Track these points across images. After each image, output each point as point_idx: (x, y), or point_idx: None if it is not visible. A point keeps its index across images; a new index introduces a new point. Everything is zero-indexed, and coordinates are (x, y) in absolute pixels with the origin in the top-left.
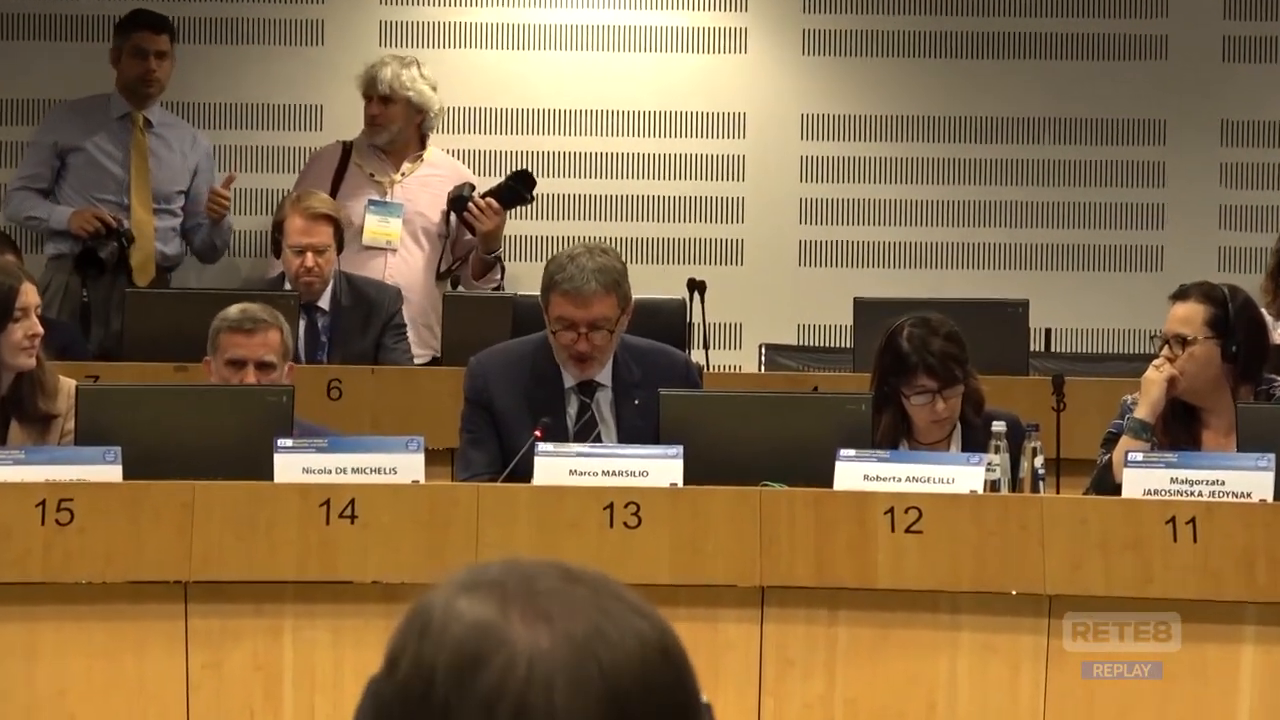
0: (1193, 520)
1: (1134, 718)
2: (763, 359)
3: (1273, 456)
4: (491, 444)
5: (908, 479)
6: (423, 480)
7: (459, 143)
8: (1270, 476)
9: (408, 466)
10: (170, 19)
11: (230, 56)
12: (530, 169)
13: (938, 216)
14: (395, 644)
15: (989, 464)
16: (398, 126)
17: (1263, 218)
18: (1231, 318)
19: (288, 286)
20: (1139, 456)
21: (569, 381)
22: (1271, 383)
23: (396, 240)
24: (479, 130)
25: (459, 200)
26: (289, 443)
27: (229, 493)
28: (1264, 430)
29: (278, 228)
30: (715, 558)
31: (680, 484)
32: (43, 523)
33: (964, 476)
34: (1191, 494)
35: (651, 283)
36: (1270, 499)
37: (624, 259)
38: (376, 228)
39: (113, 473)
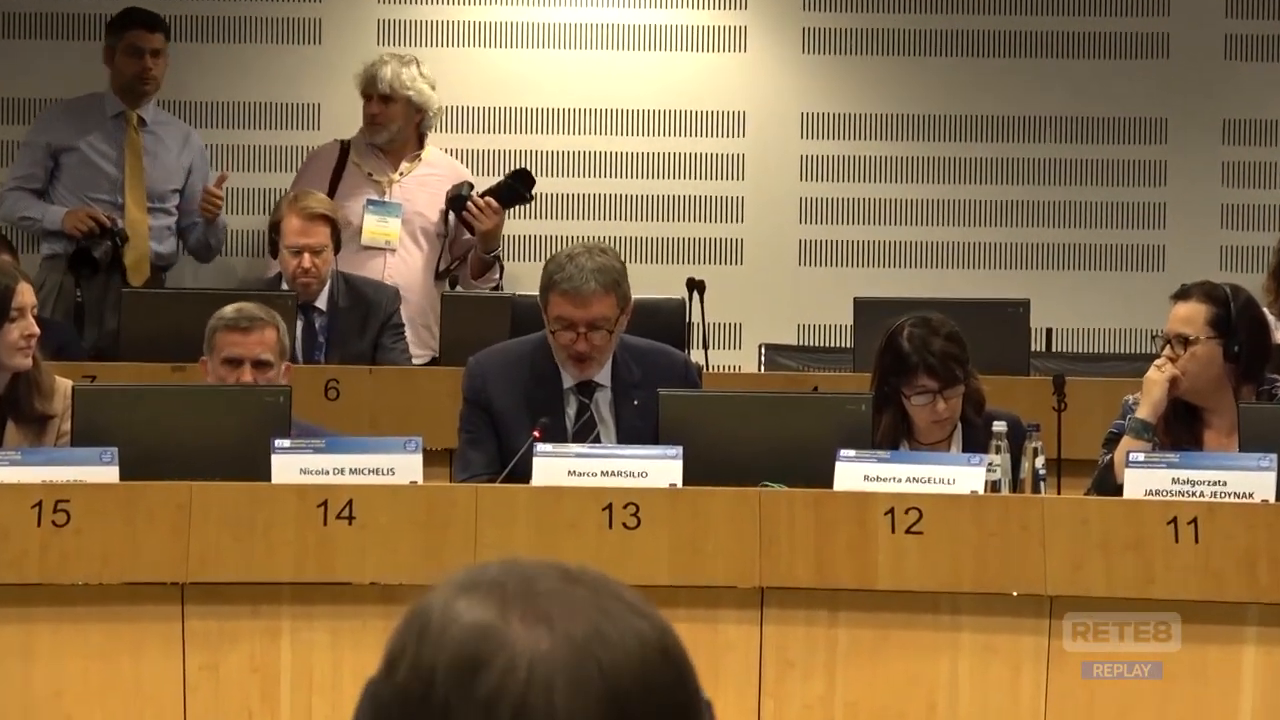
0: (1194, 521)
1: (1134, 718)
2: (762, 359)
3: (1275, 457)
4: (490, 444)
5: (908, 479)
6: (421, 481)
7: (457, 142)
8: (1272, 477)
9: (406, 467)
10: (164, 17)
11: (227, 55)
12: (528, 168)
13: (938, 216)
14: (394, 645)
15: (990, 464)
16: (397, 126)
17: (1264, 217)
18: (1233, 317)
19: (285, 286)
20: (1140, 457)
21: (568, 382)
22: (1274, 383)
23: (395, 240)
24: (477, 129)
25: (458, 200)
26: (286, 443)
27: (226, 493)
28: (1266, 430)
29: (274, 228)
30: (715, 558)
31: (680, 484)
32: (39, 524)
33: (964, 477)
34: (1193, 494)
35: (651, 282)
36: (1272, 499)
37: (623, 258)
38: (375, 227)
39: (109, 473)
